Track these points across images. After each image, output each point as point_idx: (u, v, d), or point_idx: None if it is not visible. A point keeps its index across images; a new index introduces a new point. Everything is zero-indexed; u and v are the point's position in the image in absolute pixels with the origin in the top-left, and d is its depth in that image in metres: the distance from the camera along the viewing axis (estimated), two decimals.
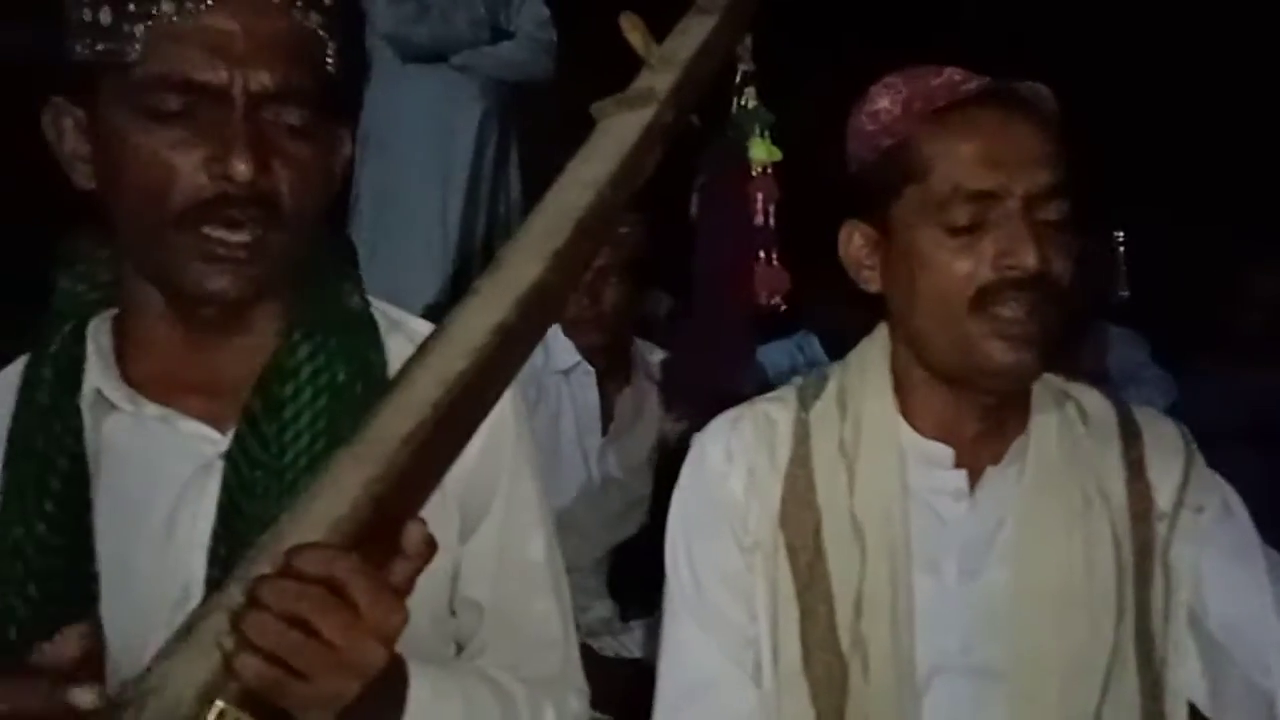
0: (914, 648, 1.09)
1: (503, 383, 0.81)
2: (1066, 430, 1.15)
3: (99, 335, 0.95)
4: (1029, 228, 1.04)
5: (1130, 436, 1.15)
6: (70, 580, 0.88)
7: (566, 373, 2.23)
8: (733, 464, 1.16)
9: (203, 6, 0.84)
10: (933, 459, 1.14)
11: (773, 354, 3.03)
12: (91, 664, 0.75)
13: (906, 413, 1.15)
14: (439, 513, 0.89)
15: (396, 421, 0.73)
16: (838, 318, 2.86)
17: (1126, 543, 1.11)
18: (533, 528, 1.04)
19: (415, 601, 0.72)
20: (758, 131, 1.19)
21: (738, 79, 1.17)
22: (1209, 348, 3.18)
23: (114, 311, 0.97)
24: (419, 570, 0.73)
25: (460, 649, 1.03)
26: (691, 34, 0.97)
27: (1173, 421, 1.19)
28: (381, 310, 1.02)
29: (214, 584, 0.85)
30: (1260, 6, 3.78)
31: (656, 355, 2.33)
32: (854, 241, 1.16)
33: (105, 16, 0.85)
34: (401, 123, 2.98)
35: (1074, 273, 1.08)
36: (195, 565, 0.90)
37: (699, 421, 1.25)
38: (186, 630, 0.69)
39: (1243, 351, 3.10)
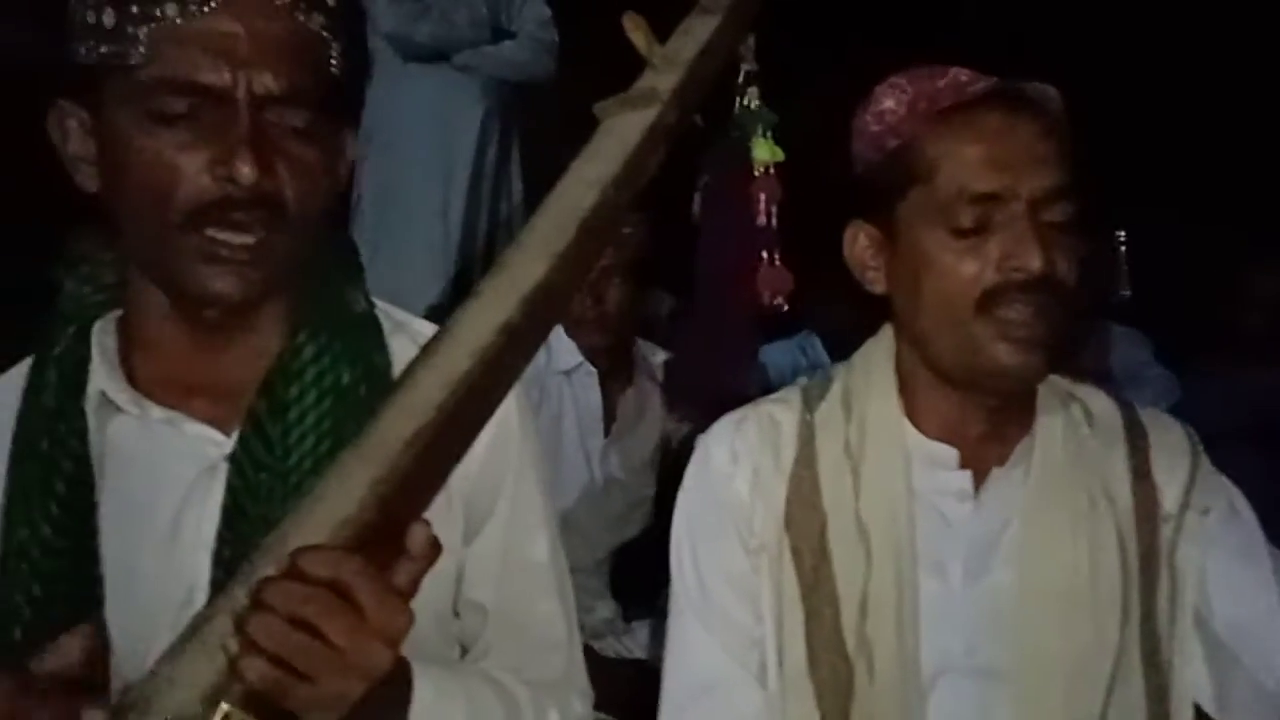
0: (919, 649, 1.09)
1: (507, 383, 0.81)
2: (1072, 432, 1.15)
3: (103, 337, 0.95)
4: (1034, 230, 1.04)
5: (1136, 438, 1.15)
6: (75, 582, 0.88)
7: (569, 373, 2.23)
8: (737, 465, 1.16)
9: (206, 9, 0.84)
10: (938, 460, 1.14)
11: (775, 354, 3.03)
12: (94, 667, 0.75)
13: (911, 414, 1.15)
14: (443, 514, 0.89)
15: (401, 423, 0.73)
16: (840, 318, 2.86)
17: (1132, 544, 1.11)
18: (537, 529, 1.04)
19: (419, 603, 0.72)
20: (760, 132, 1.19)
21: (740, 79, 1.17)
22: (1211, 347, 3.18)
23: (118, 314, 0.97)
24: (424, 572, 0.73)
25: (464, 651, 1.03)
26: (694, 34, 0.96)
27: (1179, 423, 1.19)
28: (385, 312, 1.02)
29: (218, 586, 0.85)
30: (1262, 5, 3.77)
31: (659, 356, 2.33)
32: (859, 242, 1.16)
33: (109, 19, 0.85)
34: (403, 122, 2.98)
35: (1080, 274, 1.08)
36: (200, 567, 0.90)
37: (702, 422, 1.25)
38: (191, 632, 0.69)
39: (1245, 351, 3.09)
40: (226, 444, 0.92)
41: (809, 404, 1.18)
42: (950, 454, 1.14)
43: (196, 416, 0.93)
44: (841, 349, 1.23)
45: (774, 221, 1.20)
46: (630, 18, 0.92)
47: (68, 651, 0.74)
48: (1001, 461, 1.14)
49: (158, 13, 0.84)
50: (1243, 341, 3.12)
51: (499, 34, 3.05)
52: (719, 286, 1.25)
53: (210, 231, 0.86)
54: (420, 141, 2.99)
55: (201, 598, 0.88)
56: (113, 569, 0.89)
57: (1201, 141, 4.08)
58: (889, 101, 1.11)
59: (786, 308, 1.19)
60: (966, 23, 4.33)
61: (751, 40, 1.10)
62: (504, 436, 1.01)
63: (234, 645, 0.68)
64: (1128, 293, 3.80)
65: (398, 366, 0.95)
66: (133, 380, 0.94)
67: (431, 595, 0.81)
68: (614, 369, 2.27)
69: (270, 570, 0.69)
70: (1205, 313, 3.26)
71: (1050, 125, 1.07)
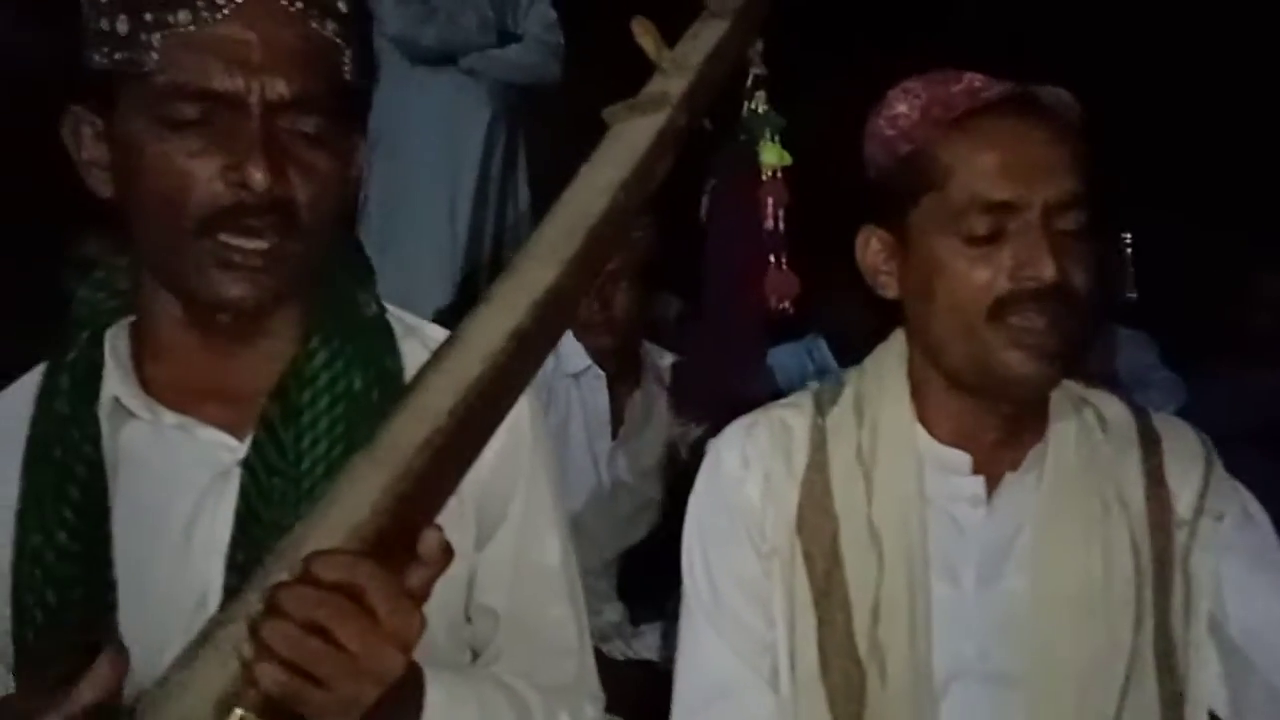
0: (931, 654, 1.09)
1: (518, 388, 0.81)
2: (1085, 437, 1.14)
3: (117, 343, 0.95)
4: (1047, 239, 1.04)
5: (1149, 443, 1.15)
6: (88, 587, 0.88)
7: (576, 376, 2.23)
8: (749, 470, 1.16)
9: (219, 16, 0.84)
10: (950, 466, 1.14)
11: (782, 357, 3.03)
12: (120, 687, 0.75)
13: (924, 419, 1.15)
14: (455, 519, 0.89)
15: (413, 428, 0.73)
16: (847, 321, 2.86)
17: (1145, 550, 1.11)
18: (549, 534, 1.04)
19: (431, 608, 0.72)
20: (768, 135, 1.19)
21: (749, 82, 1.17)
22: (1217, 350, 3.17)
23: (131, 319, 0.97)
24: (436, 577, 0.73)
25: (475, 655, 1.03)
26: (703, 38, 0.96)
27: (1192, 429, 1.19)
28: (397, 316, 1.02)
29: (231, 591, 0.86)
30: (1264, 4, 3.77)
31: (666, 359, 2.33)
32: (871, 247, 1.16)
33: (122, 26, 0.85)
34: (410, 125, 2.99)
35: (1092, 281, 1.08)
36: (213, 572, 0.90)
37: (710, 426, 1.25)
38: (205, 638, 0.69)
39: (1251, 353, 3.09)
40: (239, 449, 0.92)
41: (821, 409, 1.18)
42: (963, 459, 1.14)
43: (209, 422, 0.93)
44: (848, 352, 1.23)
45: (781, 225, 1.20)
46: (639, 22, 0.92)
47: (104, 682, 0.73)
48: (1014, 467, 1.14)
49: (171, 19, 0.84)
50: (1249, 343, 3.11)
51: (505, 37, 3.06)
52: (726, 290, 1.25)
53: (223, 237, 0.87)
54: (426, 144, 2.99)
55: (214, 603, 0.89)
56: (125, 574, 0.90)
57: (1206, 142, 4.07)
58: (902, 106, 1.11)
59: (793, 311, 1.19)
60: (970, 25, 4.32)
61: (760, 44, 1.10)
62: (516, 441, 1.01)
63: (248, 650, 0.68)
64: (1133, 295, 3.80)
65: (410, 371, 0.96)
66: (146, 386, 0.94)
67: (443, 600, 0.81)
68: (622, 372, 2.27)
69: (284, 575, 0.69)
70: (1211, 315, 3.25)
71: (1065, 131, 1.07)
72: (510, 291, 0.79)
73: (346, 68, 0.92)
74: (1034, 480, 1.14)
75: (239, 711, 0.67)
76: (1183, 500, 1.13)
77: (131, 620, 0.88)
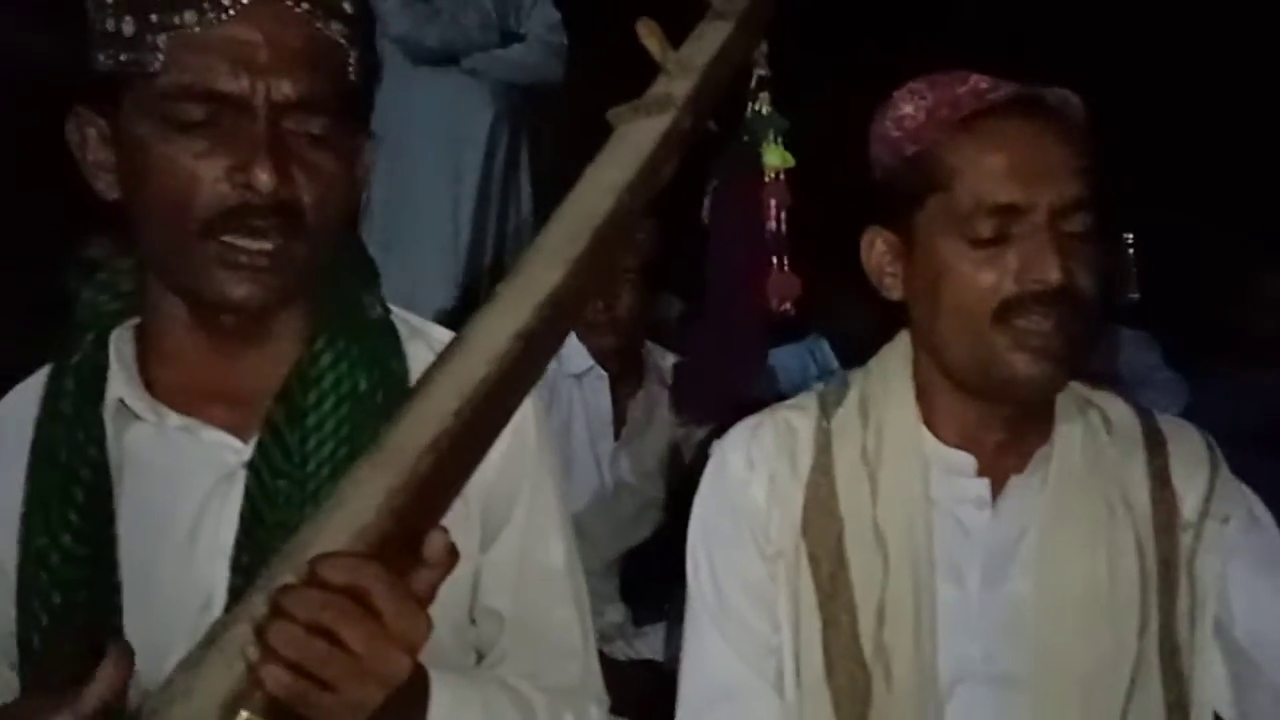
0: (936, 657, 1.09)
1: (524, 390, 0.81)
2: (1090, 439, 1.14)
3: (121, 345, 0.95)
4: (1053, 241, 1.04)
5: (1155, 445, 1.15)
6: (93, 590, 0.88)
7: (579, 377, 2.23)
8: (754, 471, 1.16)
9: (224, 17, 0.84)
10: (955, 467, 1.14)
11: (784, 357, 3.03)
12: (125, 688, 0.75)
13: (929, 421, 1.15)
14: (460, 521, 0.89)
15: (418, 430, 0.73)
16: (848, 321, 2.86)
17: (1150, 552, 1.11)
18: (553, 536, 1.04)
19: (436, 610, 0.72)
20: (772, 137, 1.19)
21: (753, 84, 1.16)
22: (1221, 350, 3.17)
23: (136, 321, 0.97)
24: (442, 579, 0.72)
25: (480, 657, 1.03)
26: (708, 39, 0.96)
27: (1198, 430, 1.19)
28: (402, 318, 1.02)
29: (237, 593, 0.86)
30: (1266, 3, 3.76)
31: (669, 360, 2.33)
32: (876, 248, 1.16)
33: (128, 27, 0.85)
34: (413, 125, 2.99)
35: (1097, 283, 1.07)
36: (218, 574, 0.90)
37: (711, 426, 1.25)
38: (210, 640, 0.69)
39: (1254, 353, 3.09)
40: (244, 451, 0.92)
41: (826, 410, 1.18)
42: (968, 461, 1.14)
43: (214, 424, 0.93)
44: (850, 352, 1.23)
45: (783, 227, 1.19)
46: (644, 24, 0.92)
47: (111, 681, 0.73)
48: (1020, 469, 1.14)
49: (176, 20, 0.84)
50: (1252, 343, 3.12)
51: (508, 37, 3.06)
52: (728, 291, 1.25)
53: (229, 238, 0.86)
54: (429, 144, 3.00)
55: (220, 605, 0.89)
56: (131, 577, 0.90)
57: (1208, 142, 4.07)
58: (908, 107, 1.11)
59: (794, 313, 1.19)
60: (970, 25, 4.32)
61: (765, 45, 1.09)
62: (520, 443, 1.01)
63: (253, 653, 0.67)
64: (1135, 295, 3.79)
65: (415, 372, 0.96)
66: (150, 388, 0.94)
67: (448, 602, 0.81)
68: (624, 372, 2.27)
69: (289, 578, 0.69)
70: (1213, 315, 3.25)
71: (1071, 133, 1.07)
72: (516, 293, 0.79)
73: (352, 69, 0.92)
74: (1039, 482, 1.14)
75: (245, 714, 0.67)
76: (1188, 503, 1.13)
77: (136, 622, 0.88)
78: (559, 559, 1.04)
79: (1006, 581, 1.12)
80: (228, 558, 0.90)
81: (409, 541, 0.72)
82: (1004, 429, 1.13)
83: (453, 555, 0.73)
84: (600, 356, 2.22)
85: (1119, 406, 1.18)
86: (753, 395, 1.30)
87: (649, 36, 0.92)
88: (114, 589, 0.89)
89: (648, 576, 2.13)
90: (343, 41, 0.90)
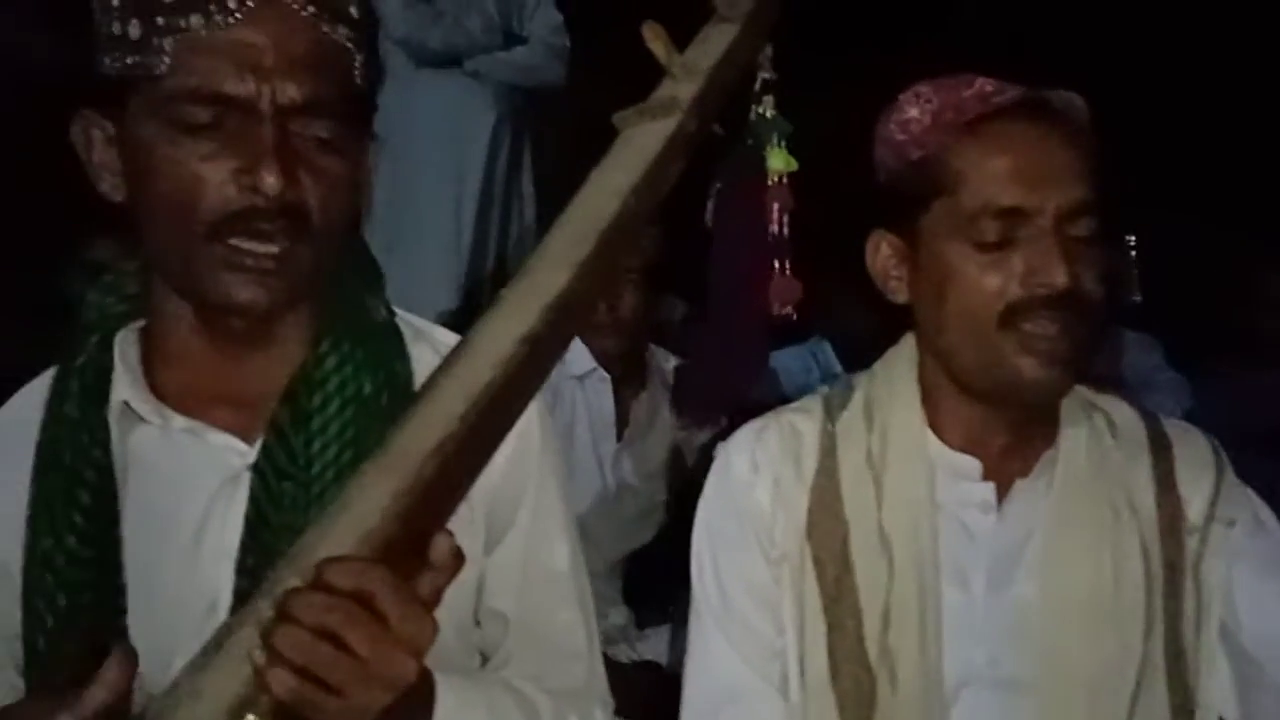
0: (942, 660, 1.09)
1: (529, 393, 0.81)
2: (1095, 443, 1.14)
3: (126, 347, 0.95)
4: (1059, 245, 1.04)
5: (1160, 449, 1.15)
6: (98, 592, 0.88)
7: (582, 379, 2.23)
8: (758, 474, 1.16)
9: (231, 20, 0.84)
10: (961, 471, 1.14)
11: (786, 360, 3.02)
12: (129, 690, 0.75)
13: (934, 425, 1.14)
14: (465, 524, 0.89)
15: (424, 433, 0.73)
16: (851, 324, 2.86)
17: (1156, 556, 1.11)
18: (558, 539, 1.04)
19: (441, 613, 0.72)
20: (775, 141, 1.19)
21: (757, 87, 1.16)
22: (1223, 351, 3.17)
23: (141, 323, 0.97)
24: (447, 583, 0.72)
25: (484, 659, 1.03)
26: (713, 43, 0.96)
27: (1203, 434, 1.19)
28: (406, 320, 1.02)
29: (242, 596, 0.86)
30: (1267, 2, 3.76)
31: (671, 362, 2.33)
32: (881, 251, 1.15)
33: (134, 30, 0.85)
34: (415, 127, 2.99)
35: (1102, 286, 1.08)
36: (223, 577, 0.90)
37: (716, 429, 1.25)
38: (215, 644, 0.69)
39: (1257, 355, 3.08)
40: (249, 453, 0.92)
41: (830, 413, 1.17)
42: (973, 465, 1.13)
43: (219, 426, 0.93)
44: (852, 355, 1.23)
45: (786, 231, 1.20)
46: (650, 27, 0.92)
47: (114, 683, 0.73)
48: (1025, 473, 1.14)
49: (183, 24, 0.84)
50: (1254, 345, 3.11)
51: (511, 39, 3.06)
52: (732, 293, 1.25)
53: (234, 241, 0.86)
54: (432, 146, 3.00)
55: (225, 607, 0.89)
56: (136, 579, 0.90)
57: (1210, 143, 4.07)
58: (913, 111, 1.10)
59: (795, 317, 1.19)
60: (971, 26, 4.32)
61: (769, 49, 1.09)
62: (525, 446, 1.01)
63: (259, 656, 0.67)
64: (1138, 297, 3.79)
65: (419, 375, 0.96)
66: (155, 390, 0.94)
67: (453, 605, 0.81)
68: (627, 374, 2.27)
69: (295, 581, 0.69)
70: (1216, 316, 3.25)
71: (1076, 136, 1.07)
72: (521, 296, 0.79)
73: (358, 72, 0.92)
74: (1044, 486, 1.13)
75: (251, 718, 0.67)
76: (1193, 507, 1.13)
77: (141, 625, 0.89)
78: (563, 561, 1.04)
79: (1011, 585, 1.12)
80: (233, 560, 0.90)
81: (414, 545, 0.72)
82: (1009, 432, 1.13)
83: (458, 559, 0.73)
84: (603, 358, 2.22)
85: (1124, 410, 1.18)
86: (754, 398, 1.30)
87: (655, 40, 0.92)
88: (119, 591, 0.89)
89: (651, 579, 2.13)
90: (348, 45, 0.90)
